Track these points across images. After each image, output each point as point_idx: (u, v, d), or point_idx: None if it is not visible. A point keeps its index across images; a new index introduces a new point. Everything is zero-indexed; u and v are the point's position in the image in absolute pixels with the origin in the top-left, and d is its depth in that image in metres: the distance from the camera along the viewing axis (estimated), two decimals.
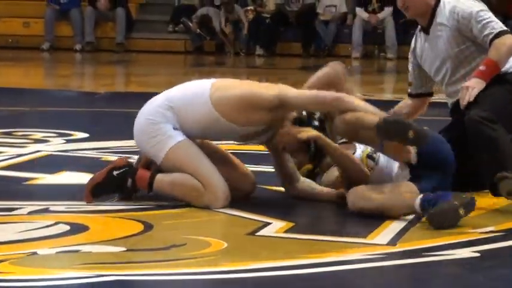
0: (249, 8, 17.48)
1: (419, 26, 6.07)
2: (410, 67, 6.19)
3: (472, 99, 5.64)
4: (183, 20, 17.50)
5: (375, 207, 5.21)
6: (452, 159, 5.49)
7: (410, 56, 6.20)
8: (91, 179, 5.53)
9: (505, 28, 5.85)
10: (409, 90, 6.22)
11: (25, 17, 18.42)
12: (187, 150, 5.43)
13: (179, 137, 5.38)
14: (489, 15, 5.82)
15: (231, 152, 5.83)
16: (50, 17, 17.82)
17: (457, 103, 5.80)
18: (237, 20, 17.30)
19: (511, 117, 5.76)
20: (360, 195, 5.25)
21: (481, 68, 5.72)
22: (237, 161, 5.71)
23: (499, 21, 5.87)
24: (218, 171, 5.43)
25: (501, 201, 5.56)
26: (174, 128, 5.38)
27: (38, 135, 7.74)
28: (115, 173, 5.46)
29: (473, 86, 5.67)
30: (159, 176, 5.41)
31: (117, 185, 5.44)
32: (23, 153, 6.97)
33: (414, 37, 6.15)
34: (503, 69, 5.80)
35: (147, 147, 5.44)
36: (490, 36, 5.75)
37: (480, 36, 5.78)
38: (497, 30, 5.76)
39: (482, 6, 5.87)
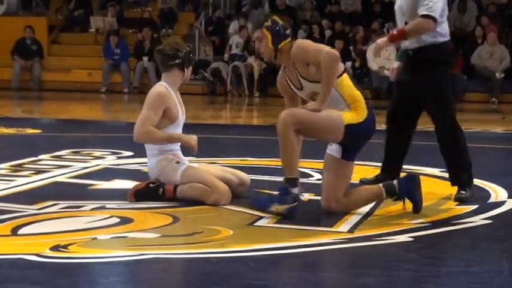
0: (247, 62, 17.43)
1: None
2: None
3: (377, 55, 5.73)
4: (201, 71, 17.44)
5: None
6: None
7: None
8: (134, 186, 5.53)
9: (434, 16, 5.50)
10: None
11: (89, 69, 18.40)
12: (193, 169, 5.52)
13: (183, 165, 5.51)
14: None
15: (244, 166, 5.80)
16: (106, 69, 17.80)
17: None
18: (239, 71, 17.28)
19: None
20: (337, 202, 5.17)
21: (394, 32, 5.57)
22: (233, 170, 5.76)
23: (438, 7, 5.52)
24: (222, 177, 5.50)
25: (427, 200, 5.55)
26: (176, 162, 5.51)
27: (97, 153, 7.73)
28: (151, 185, 5.48)
29: (380, 45, 5.59)
30: (180, 186, 5.44)
31: (152, 193, 5.45)
32: (87, 167, 6.96)
33: None
34: (437, 40, 5.57)
35: (166, 179, 5.50)
36: (420, 13, 5.51)
37: (419, 8, 5.51)
38: (426, 13, 5.48)
39: None
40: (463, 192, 5.60)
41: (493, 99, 15.92)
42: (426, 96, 5.68)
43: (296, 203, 4.97)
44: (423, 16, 5.52)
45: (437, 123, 5.70)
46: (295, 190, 5.01)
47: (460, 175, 5.64)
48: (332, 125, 5.03)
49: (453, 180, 5.70)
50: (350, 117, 5.04)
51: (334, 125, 5.03)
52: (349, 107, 5.09)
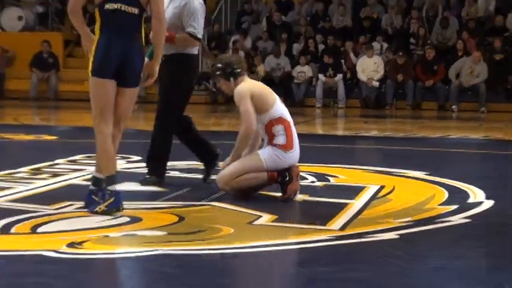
0: None
1: None
2: None
3: None
4: (204, 82, 17.49)
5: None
6: None
7: None
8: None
9: (197, 36, 5.97)
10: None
11: None
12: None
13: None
14: (200, 20, 5.94)
15: None
16: None
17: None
18: None
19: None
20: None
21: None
22: None
23: (201, 25, 5.96)
24: None
25: (412, 201, 5.57)
26: None
27: None
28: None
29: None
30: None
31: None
32: None
33: None
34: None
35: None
36: (186, 30, 5.93)
37: (186, 26, 5.92)
38: (191, 32, 5.92)
39: (202, 11, 5.97)
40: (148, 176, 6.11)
41: (482, 108, 15.88)
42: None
43: (113, 198, 4.97)
44: (190, 34, 5.94)
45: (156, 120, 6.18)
46: (114, 187, 5.01)
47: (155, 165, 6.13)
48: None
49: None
50: None
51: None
52: None
